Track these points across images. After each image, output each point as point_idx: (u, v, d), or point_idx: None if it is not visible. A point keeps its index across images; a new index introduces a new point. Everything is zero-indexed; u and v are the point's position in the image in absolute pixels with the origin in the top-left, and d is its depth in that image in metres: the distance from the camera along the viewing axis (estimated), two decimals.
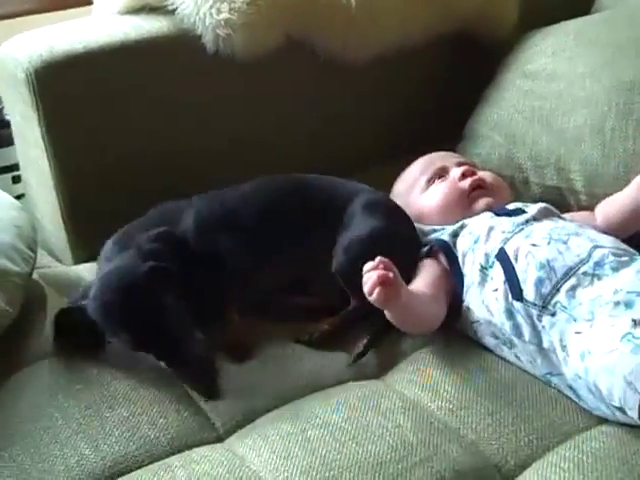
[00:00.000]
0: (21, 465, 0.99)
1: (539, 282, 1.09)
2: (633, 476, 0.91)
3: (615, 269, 1.07)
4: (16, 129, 1.49)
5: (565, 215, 1.27)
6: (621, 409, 0.95)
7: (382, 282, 1.03)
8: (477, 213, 1.27)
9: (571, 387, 1.04)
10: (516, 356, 1.10)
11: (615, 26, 1.45)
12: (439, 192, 1.33)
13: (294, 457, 0.97)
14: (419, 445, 0.98)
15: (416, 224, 1.30)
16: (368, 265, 1.05)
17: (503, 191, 1.34)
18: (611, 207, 1.25)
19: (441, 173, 1.35)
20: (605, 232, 1.19)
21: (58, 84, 1.36)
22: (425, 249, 1.25)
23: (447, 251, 1.22)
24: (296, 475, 0.94)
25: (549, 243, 1.13)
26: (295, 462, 0.96)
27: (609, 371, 0.96)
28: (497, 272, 1.14)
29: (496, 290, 1.12)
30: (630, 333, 0.96)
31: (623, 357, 0.95)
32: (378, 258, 1.05)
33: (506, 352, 1.12)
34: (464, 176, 1.32)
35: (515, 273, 1.11)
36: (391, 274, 1.04)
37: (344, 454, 0.97)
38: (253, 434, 1.02)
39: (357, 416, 1.03)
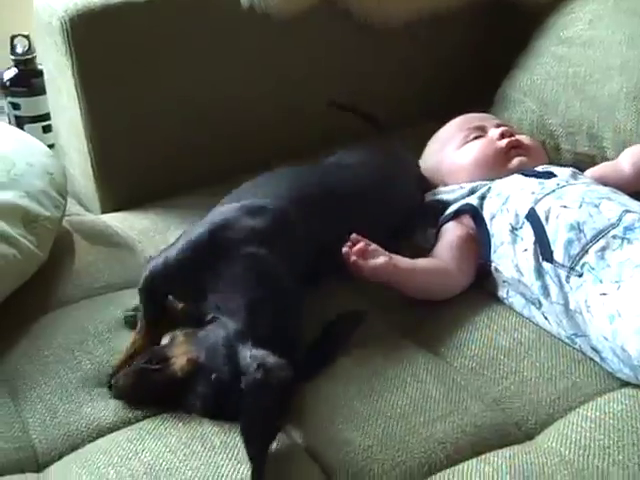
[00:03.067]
0: (48, 403, 1.01)
1: (568, 243, 1.09)
2: None
3: None
4: (49, 78, 1.50)
5: (588, 171, 1.27)
6: None
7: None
8: (511, 172, 1.27)
9: (595, 349, 1.04)
10: (544, 316, 1.10)
11: None
12: (475, 148, 1.32)
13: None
14: (441, 400, 0.99)
15: (439, 188, 1.33)
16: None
17: (539, 154, 1.34)
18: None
19: (479, 132, 1.35)
20: (633, 178, 1.22)
21: (93, 33, 1.36)
22: (450, 212, 1.25)
23: (474, 213, 1.22)
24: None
25: (580, 206, 1.12)
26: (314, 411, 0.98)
27: (638, 332, 0.95)
28: (527, 232, 1.13)
29: (526, 250, 1.13)
30: None
31: None
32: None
33: (534, 312, 1.12)
34: (502, 136, 1.32)
35: (545, 234, 1.11)
36: (353, 258, 1.09)
37: (367, 404, 0.98)
38: None
39: (380, 370, 1.04)
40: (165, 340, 1.03)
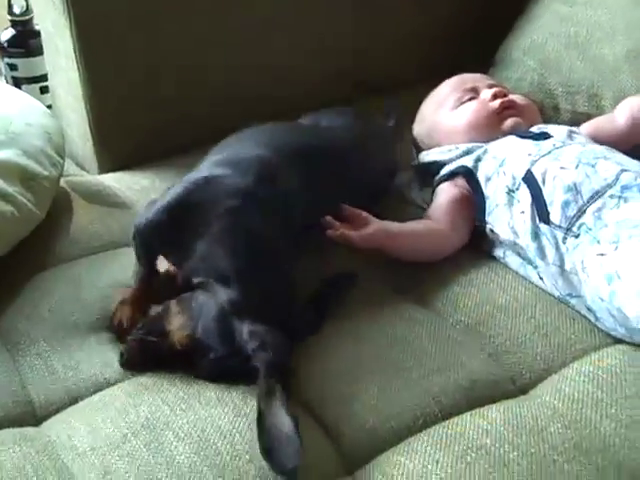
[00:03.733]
0: (46, 359, 1.02)
1: (565, 205, 1.08)
2: None
3: None
4: (46, 38, 1.49)
5: (584, 125, 1.27)
6: None
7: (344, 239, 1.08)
8: (505, 132, 1.27)
9: (590, 309, 1.04)
10: (540, 276, 1.11)
11: None
12: (469, 110, 1.32)
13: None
14: (437, 355, 1.00)
15: (436, 147, 1.32)
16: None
17: (533, 114, 1.34)
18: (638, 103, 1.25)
19: (472, 93, 1.34)
20: (629, 131, 1.22)
21: None
22: (444, 174, 1.25)
23: (469, 176, 1.22)
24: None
25: (577, 166, 1.12)
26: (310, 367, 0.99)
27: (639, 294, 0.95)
28: (524, 194, 1.13)
29: (523, 212, 1.13)
30: None
31: None
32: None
33: (530, 271, 1.12)
34: (495, 97, 1.31)
35: (542, 195, 1.11)
36: (338, 233, 1.08)
37: (363, 359, 0.99)
38: None
39: (376, 326, 1.04)
40: (157, 309, 1.01)
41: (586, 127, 1.27)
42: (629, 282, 0.98)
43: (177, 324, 0.96)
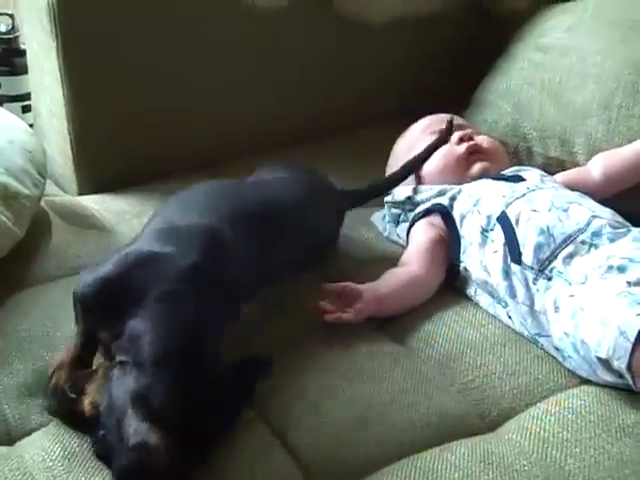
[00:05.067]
0: (22, 379, 1.02)
1: (538, 247, 1.11)
2: (610, 432, 0.94)
3: (612, 240, 1.09)
4: (32, 58, 1.50)
5: (558, 175, 1.31)
6: (607, 362, 0.98)
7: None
8: (473, 177, 1.30)
9: (557, 348, 1.07)
10: (508, 315, 1.13)
11: (634, 5, 1.44)
12: (437, 155, 1.35)
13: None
14: (408, 390, 1.02)
15: (414, 186, 1.35)
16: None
17: (500, 156, 1.36)
18: (613, 159, 1.28)
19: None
20: (602, 185, 1.26)
21: (79, 13, 1.37)
22: (420, 211, 1.28)
23: (445, 214, 1.25)
24: None
25: (550, 210, 1.15)
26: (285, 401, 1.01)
27: (602, 322, 0.98)
28: (497, 234, 1.16)
29: (495, 252, 1.15)
30: (626, 291, 0.99)
31: (619, 309, 0.98)
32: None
33: (500, 311, 1.15)
34: (461, 141, 1.34)
35: (515, 236, 1.14)
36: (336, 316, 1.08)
37: (339, 390, 1.01)
38: None
39: (350, 360, 1.06)
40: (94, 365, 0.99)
41: (560, 177, 1.30)
42: (591, 312, 1.01)
43: (93, 390, 0.93)
